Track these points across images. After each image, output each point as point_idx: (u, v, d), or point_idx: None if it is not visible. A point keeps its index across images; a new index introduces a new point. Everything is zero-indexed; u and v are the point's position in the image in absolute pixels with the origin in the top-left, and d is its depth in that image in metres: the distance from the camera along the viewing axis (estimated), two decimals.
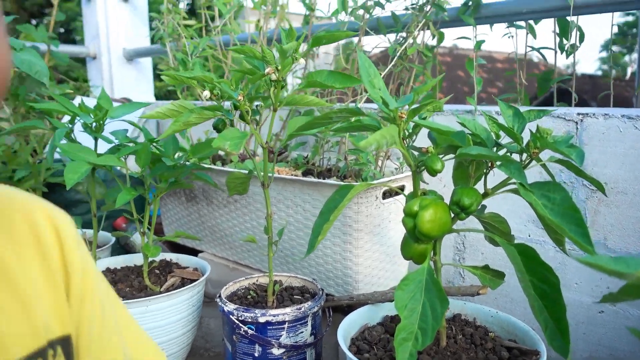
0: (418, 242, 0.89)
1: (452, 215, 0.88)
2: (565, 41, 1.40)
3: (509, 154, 0.85)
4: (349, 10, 1.41)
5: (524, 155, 0.84)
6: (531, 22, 1.44)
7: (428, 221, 0.83)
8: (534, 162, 0.85)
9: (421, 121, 0.84)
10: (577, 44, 1.37)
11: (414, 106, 0.84)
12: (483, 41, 1.37)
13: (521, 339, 0.95)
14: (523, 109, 1.10)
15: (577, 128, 1.18)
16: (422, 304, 0.79)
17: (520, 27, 1.43)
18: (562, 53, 1.41)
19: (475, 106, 1.31)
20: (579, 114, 1.18)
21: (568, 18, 1.35)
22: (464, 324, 1.02)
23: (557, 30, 1.41)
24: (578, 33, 1.36)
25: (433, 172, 0.83)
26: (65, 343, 0.38)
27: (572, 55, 1.38)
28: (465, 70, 1.39)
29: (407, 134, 0.90)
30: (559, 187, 0.74)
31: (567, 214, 0.71)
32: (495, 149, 0.87)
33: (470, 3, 1.34)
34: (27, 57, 1.22)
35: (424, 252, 0.89)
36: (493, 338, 0.97)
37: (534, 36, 1.47)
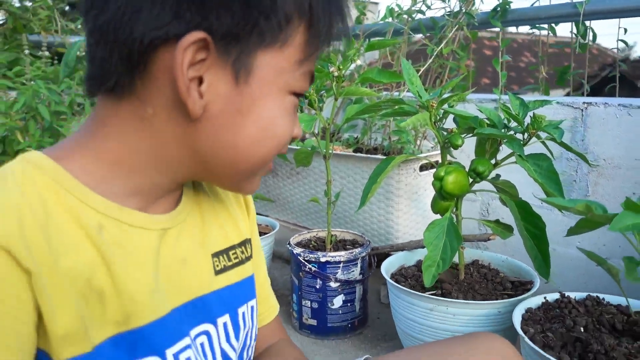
0: (443, 199, 1.18)
1: (471, 180, 1.16)
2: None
3: (514, 134, 1.12)
4: (395, 14, 1.69)
5: (525, 135, 1.11)
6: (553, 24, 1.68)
7: (451, 183, 1.12)
8: (534, 139, 1.12)
9: (447, 109, 1.13)
10: (591, 42, 1.61)
11: (442, 97, 1.13)
12: (509, 41, 1.62)
13: (523, 276, 1.23)
14: (538, 97, 1.37)
15: (582, 114, 1.44)
16: (444, 241, 1.09)
17: (542, 28, 1.67)
18: (578, 50, 1.65)
19: (499, 96, 1.57)
20: (584, 102, 1.43)
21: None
22: (480, 266, 1.31)
23: (575, 31, 1.65)
24: (592, 34, 1.60)
25: (455, 146, 1.12)
26: (249, 242, 0.70)
27: (587, 51, 1.62)
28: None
29: (438, 118, 1.19)
30: (546, 158, 1.02)
31: (550, 176, 0.99)
32: (504, 130, 1.14)
33: (498, 9, 1.60)
34: None
35: (448, 207, 1.18)
36: (502, 276, 1.26)
37: (554, 34, 1.71)
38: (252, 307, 0.67)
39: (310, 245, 1.51)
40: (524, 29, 1.87)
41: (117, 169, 0.52)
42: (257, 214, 1.97)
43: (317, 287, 1.40)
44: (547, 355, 0.87)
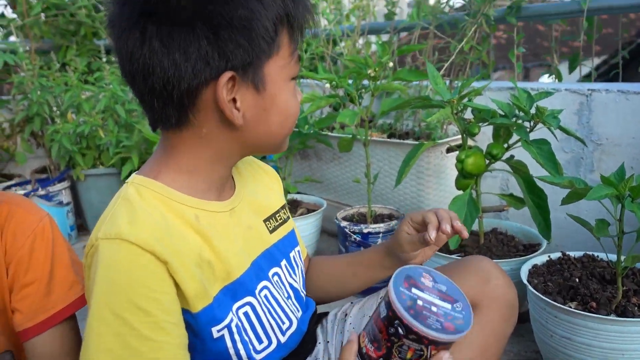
0: (465, 178, 1.43)
1: (487, 161, 1.41)
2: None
3: (522, 122, 1.36)
4: (422, 15, 1.92)
5: (531, 123, 1.35)
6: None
7: (470, 164, 1.37)
8: (540, 125, 1.35)
9: (467, 103, 1.37)
10: (595, 35, 1.82)
11: (462, 93, 1.37)
12: (523, 35, 1.83)
13: (534, 240, 1.48)
14: (548, 85, 1.58)
15: (587, 99, 1.65)
16: (465, 213, 1.34)
17: (553, 21, 1.88)
18: (587, 40, 1.86)
19: (515, 85, 1.79)
20: (588, 89, 1.64)
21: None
22: (498, 233, 1.56)
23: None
24: (597, 27, 1.80)
25: (472, 134, 1.37)
26: (286, 206, 0.95)
27: (593, 42, 1.82)
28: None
29: (459, 109, 1.43)
30: (547, 142, 1.26)
31: (548, 157, 1.23)
32: (515, 119, 1.38)
33: (512, 7, 1.81)
34: None
35: (469, 184, 1.43)
36: (517, 241, 1.51)
37: (566, 25, 1.91)
38: (298, 251, 0.93)
39: (354, 219, 1.79)
40: None
41: (195, 174, 0.74)
42: (305, 194, 2.26)
43: None
44: (545, 298, 1.12)
